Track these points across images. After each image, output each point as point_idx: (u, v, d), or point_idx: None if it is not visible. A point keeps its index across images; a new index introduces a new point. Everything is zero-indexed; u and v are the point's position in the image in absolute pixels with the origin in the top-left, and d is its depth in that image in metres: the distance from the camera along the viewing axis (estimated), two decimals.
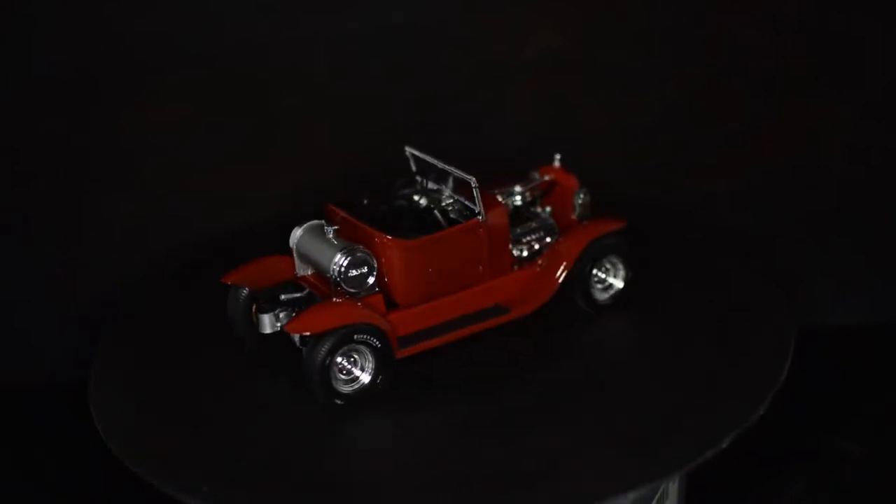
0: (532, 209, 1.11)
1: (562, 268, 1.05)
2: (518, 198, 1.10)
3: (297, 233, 1.02)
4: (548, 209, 1.11)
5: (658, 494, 0.99)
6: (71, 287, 1.43)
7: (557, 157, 1.11)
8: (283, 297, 1.02)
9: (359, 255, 0.96)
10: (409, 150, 1.10)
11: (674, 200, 1.44)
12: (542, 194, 1.12)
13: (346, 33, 1.37)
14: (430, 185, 1.08)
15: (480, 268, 1.02)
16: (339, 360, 0.95)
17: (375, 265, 0.97)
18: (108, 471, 1.01)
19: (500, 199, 1.05)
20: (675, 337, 1.04)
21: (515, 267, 1.06)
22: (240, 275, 1.03)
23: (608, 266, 1.08)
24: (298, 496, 0.88)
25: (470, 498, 0.86)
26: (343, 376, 0.95)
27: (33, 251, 1.42)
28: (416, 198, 1.07)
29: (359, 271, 0.97)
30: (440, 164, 1.05)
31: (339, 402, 0.95)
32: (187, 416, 0.98)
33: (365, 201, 1.07)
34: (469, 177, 1.01)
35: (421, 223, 1.04)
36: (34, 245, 1.42)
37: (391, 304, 1.00)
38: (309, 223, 1.02)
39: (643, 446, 0.90)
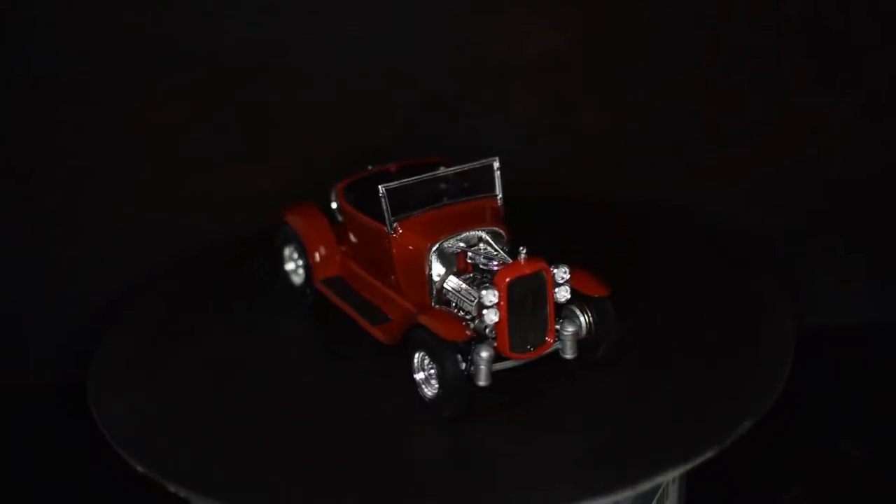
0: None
1: (400, 327, 0.99)
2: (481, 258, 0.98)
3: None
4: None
5: (658, 494, 0.99)
6: (71, 287, 1.43)
7: (522, 250, 0.94)
8: None
9: (333, 192, 1.12)
10: (496, 163, 1.04)
11: (673, 200, 1.44)
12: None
13: (346, 34, 1.37)
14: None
15: (393, 277, 1.01)
16: (288, 253, 1.15)
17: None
18: (108, 471, 1.01)
19: (445, 243, 0.98)
20: (675, 337, 1.04)
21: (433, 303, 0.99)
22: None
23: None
24: (302, 496, 0.88)
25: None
26: (291, 267, 1.15)
27: (33, 251, 1.42)
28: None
29: (335, 205, 1.12)
30: (424, 177, 1.02)
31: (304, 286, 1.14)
32: (187, 415, 0.98)
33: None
34: (380, 187, 0.98)
35: (401, 203, 1.01)
36: (34, 245, 1.42)
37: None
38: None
39: (643, 445, 0.90)
